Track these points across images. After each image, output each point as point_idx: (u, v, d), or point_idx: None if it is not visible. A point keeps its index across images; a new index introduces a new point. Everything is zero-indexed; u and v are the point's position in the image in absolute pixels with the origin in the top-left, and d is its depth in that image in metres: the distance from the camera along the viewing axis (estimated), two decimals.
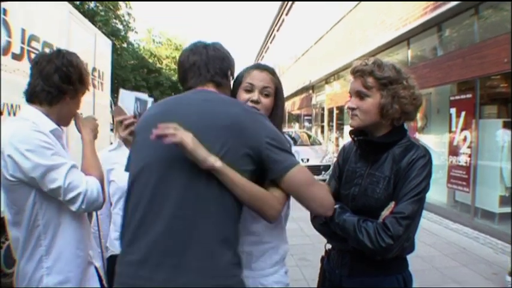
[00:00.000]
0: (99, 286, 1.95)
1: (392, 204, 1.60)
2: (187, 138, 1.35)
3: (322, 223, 1.79)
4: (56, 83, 1.79)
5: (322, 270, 1.98)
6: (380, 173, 1.70)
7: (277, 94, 1.88)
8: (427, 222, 6.90)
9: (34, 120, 1.74)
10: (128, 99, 1.85)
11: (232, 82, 1.78)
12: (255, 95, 1.79)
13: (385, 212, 1.60)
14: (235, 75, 1.82)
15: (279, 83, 1.88)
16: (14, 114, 4.14)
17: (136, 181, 1.48)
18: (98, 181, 1.77)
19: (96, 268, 2.00)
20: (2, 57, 3.93)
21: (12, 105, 4.10)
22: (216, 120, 1.44)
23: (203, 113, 1.47)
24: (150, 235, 1.38)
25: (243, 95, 1.80)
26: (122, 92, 1.87)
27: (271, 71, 1.88)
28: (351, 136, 1.84)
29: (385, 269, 1.70)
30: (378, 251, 1.56)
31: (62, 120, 1.88)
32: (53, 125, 1.80)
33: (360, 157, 1.82)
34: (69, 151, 1.94)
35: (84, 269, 1.86)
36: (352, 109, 1.74)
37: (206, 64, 1.61)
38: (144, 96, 1.88)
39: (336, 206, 1.72)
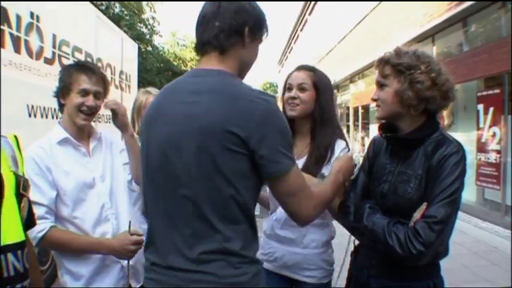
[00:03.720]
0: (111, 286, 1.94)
1: (424, 206, 1.50)
2: None
3: (352, 221, 1.73)
4: (56, 95, 1.93)
5: (351, 265, 1.92)
6: (411, 171, 1.60)
7: (317, 88, 2.03)
8: (456, 220, 6.76)
9: (52, 132, 1.91)
10: None
11: (260, 38, 1.45)
12: (292, 92, 2.01)
13: (417, 215, 1.50)
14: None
15: (318, 78, 2.05)
16: (46, 117, 4.31)
17: None
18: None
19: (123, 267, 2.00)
20: (35, 61, 4.09)
21: (44, 108, 4.26)
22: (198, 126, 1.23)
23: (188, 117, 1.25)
24: None
25: (286, 94, 2.05)
26: None
27: (308, 69, 2.09)
28: (379, 132, 1.76)
29: (415, 273, 1.60)
30: (408, 257, 1.47)
31: (73, 124, 1.92)
32: (62, 135, 1.88)
33: (391, 152, 1.73)
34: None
35: (97, 267, 1.90)
36: (375, 100, 1.69)
37: (215, 16, 1.32)
38: None
39: (366, 206, 1.67)
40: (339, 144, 2.07)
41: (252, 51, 1.40)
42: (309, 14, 26.34)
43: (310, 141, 2.08)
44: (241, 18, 1.32)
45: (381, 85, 1.66)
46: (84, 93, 1.87)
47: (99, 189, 1.92)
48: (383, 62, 1.65)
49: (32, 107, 4.05)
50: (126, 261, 1.96)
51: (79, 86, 1.86)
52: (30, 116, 4.01)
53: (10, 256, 1.12)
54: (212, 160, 1.18)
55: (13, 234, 1.16)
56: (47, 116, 4.33)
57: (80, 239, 1.83)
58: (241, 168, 1.21)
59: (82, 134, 1.95)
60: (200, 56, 1.38)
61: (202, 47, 1.36)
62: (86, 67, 1.92)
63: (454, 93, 1.63)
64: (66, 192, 1.81)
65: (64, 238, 1.78)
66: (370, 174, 1.81)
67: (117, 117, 2.06)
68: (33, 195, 1.67)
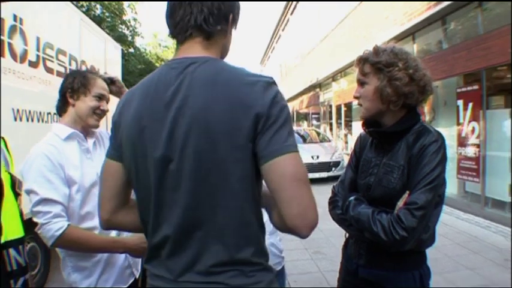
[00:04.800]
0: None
1: (406, 195, 1.56)
2: None
3: (340, 213, 1.81)
4: (61, 94, 1.99)
5: (343, 257, 1.98)
6: (394, 162, 1.66)
7: None
8: None
9: (55, 131, 1.92)
10: None
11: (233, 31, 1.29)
12: None
13: (400, 203, 1.56)
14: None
15: None
16: (32, 120, 4.30)
17: None
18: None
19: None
20: (19, 64, 4.08)
21: (30, 112, 4.25)
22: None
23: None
24: None
25: None
26: None
27: None
28: (363, 128, 1.83)
29: (401, 263, 1.66)
30: (392, 243, 1.52)
31: (79, 123, 1.97)
32: (68, 131, 1.91)
33: (376, 147, 1.80)
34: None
35: (106, 261, 1.91)
36: (357, 98, 1.76)
37: None
38: None
39: (351, 198, 1.74)
40: None
41: (230, 40, 1.28)
42: (291, 14, 26.48)
43: None
44: (228, 4, 1.20)
45: (361, 83, 1.73)
46: (100, 97, 1.98)
47: None
48: (362, 61, 1.72)
49: (18, 110, 4.03)
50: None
51: (97, 90, 1.97)
52: (15, 119, 4.00)
53: (12, 251, 1.17)
54: (221, 161, 1.07)
55: (14, 230, 1.21)
56: (32, 120, 4.32)
57: (97, 238, 1.81)
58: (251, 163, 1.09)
59: (84, 132, 1.99)
60: (180, 42, 1.21)
61: (185, 32, 1.18)
62: (99, 75, 2.05)
63: (432, 87, 1.69)
64: (80, 188, 1.82)
65: (82, 237, 1.76)
66: (357, 169, 1.88)
67: (115, 84, 2.23)
68: (47, 192, 1.70)
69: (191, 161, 1.08)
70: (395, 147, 1.69)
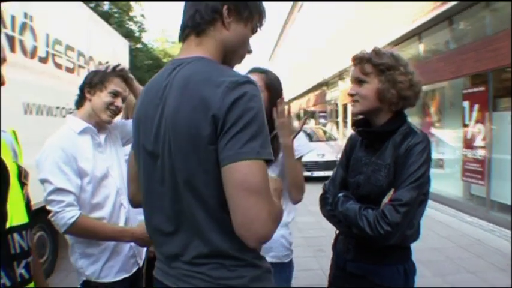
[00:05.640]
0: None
1: (392, 192, 1.62)
2: None
3: (329, 209, 1.88)
4: (80, 89, 2.09)
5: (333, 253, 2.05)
6: (381, 161, 1.73)
7: (269, 89, 2.08)
8: (442, 215, 6.94)
9: (70, 124, 2.01)
10: None
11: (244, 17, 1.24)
12: None
13: (385, 200, 1.63)
14: None
15: (270, 80, 2.10)
16: (42, 114, 4.39)
17: None
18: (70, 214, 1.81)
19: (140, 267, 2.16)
20: (29, 60, 4.15)
21: (39, 106, 4.33)
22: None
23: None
24: None
25: None
26: None
27: (260, 71, 2.13)
28: (352, 127, 1.90)
29: (386, 257, 1.73)
30: (377, 237, 1.59)
31: (93, 117, 2.04)
32: (82, 125, 2.00)
33: (365, 146, 1.86)
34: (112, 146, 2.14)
35: (112, 249, 1.99)
36: (352, 95, 1.81)
37: None
38: None
39: (340, 195, 1.81)
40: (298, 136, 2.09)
41: (237, 33, 1.23)
42: (298, 11, 26.48)
43: None
44: None
45: (359, 81, 1.78)
46: (115, 94, 2.05)
47: (113, 177, 2.05)
48: (364, 60, 1.76)
49: (28, 105, 4.11)
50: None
51: (113, 87, 2.05)
52: (26, 113, 4.08)
53: (16, 236, 1.26)
54: (188, 162, 1.10)
55: (19, 217, 1.30)
56: (42, 113, 4.40)
57: (106, 227, 1.93)
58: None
59: (97, 127, 2.08)
60: (182, 44, 1.27)
61: (182, 33, 1.25)
62: (120, 73, 2.10)
63: (421, 94, 1.80)
64: (91, 179, 1.92)
65: (92, 225, 1.87)
66: (348, 167, 1.95)
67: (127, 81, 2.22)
68: (61, 182, 1.82)
69: (169, 159, 1.14)
70: (382, 147, 1.76)
